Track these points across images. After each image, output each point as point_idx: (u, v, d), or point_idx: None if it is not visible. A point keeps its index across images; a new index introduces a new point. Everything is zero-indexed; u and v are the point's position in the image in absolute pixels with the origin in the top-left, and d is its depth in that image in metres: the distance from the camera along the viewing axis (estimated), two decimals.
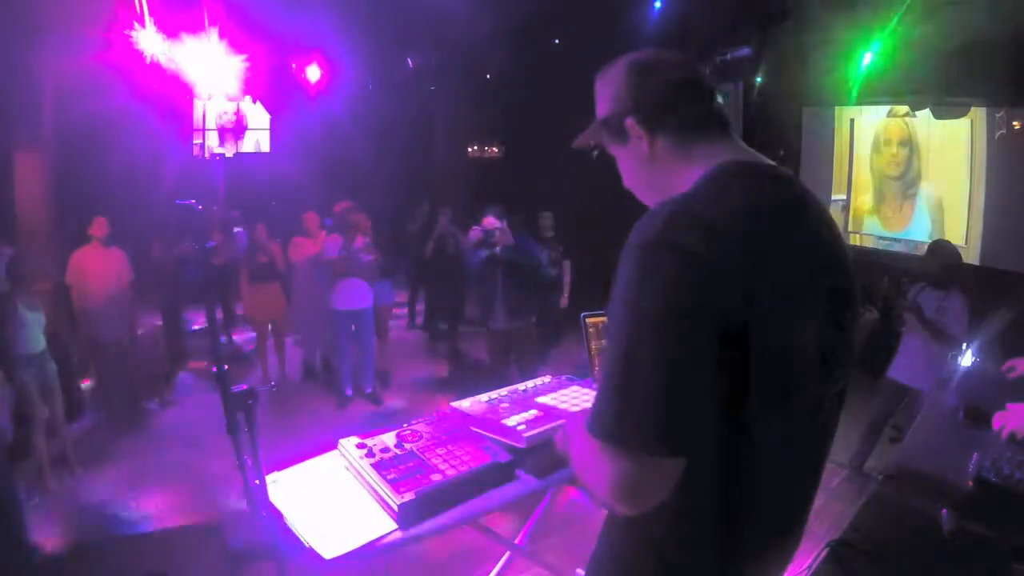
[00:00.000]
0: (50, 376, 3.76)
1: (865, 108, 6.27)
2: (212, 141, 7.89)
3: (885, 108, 6.06)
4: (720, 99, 1.01)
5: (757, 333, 0.77)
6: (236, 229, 5.59)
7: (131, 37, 5.23)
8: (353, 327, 4.96)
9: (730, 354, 0.76)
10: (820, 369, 0.86)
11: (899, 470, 1.66)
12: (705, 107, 0.97)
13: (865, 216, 6.53)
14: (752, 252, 0.78)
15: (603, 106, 1.02)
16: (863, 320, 4.07)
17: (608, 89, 1.01)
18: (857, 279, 0.94)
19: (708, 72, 1.04)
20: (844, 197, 6.55)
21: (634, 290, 0.78)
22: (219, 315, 6.46)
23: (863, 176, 6.43)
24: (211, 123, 7.68)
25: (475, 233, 4.10)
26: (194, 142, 7.89)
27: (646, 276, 0.77)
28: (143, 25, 5.23)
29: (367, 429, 1.72)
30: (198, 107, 7.65)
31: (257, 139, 8.36)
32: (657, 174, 0.99)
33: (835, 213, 6.67)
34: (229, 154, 7.87)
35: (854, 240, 6.57)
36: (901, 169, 5.97)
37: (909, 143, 5.85)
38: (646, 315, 0.77)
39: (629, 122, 0.97)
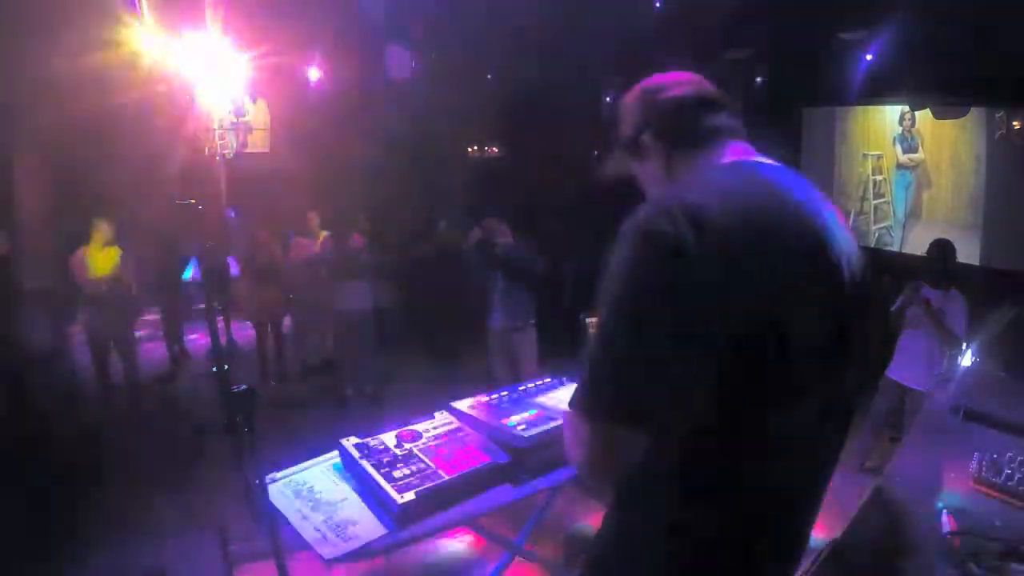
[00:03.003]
0: (56, 376, 3.75)
1: (865, 108, 6.28)
2: (213, 140, 7.88)
3: (885, 108, 6.07)
4: (731, 111, 1.04)
5: (736, 323, 0.77)
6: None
7: (132, 35, 5.23)
8: (354, 327, 4.96)
9: (704, 340, 0.77)
10: (821, 368, 0.84)
11: (899, 470, 1.66)
12: (715, 119, 1.00)
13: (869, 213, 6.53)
14: (734, 242, 0.78)
15: (624, 128, 1.08)
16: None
17: (627, 112, 1.08)
18: (871, 280, 0.92)
19: (719, 80, 1.07)
20: (857, 194, 6.58)
21: (613, 274, 0.83)
22: (219, 315, 6.46)
23: (865, 175, 6.43)
24: (212, 122, 7.67)
25: (475, 234, 4.10)
26: (195, 142, 7.88)
27: (622, 260, 0.82)
28: (144, 23, 5.22)
29: (367, 429, 1.72)
30: (198, 106, 7.64)
31: (257, 138, 8.36)
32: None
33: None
34: (229, 154, 7.87)
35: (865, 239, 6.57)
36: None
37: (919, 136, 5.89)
38: (619, 298, 0.82)
39: (644, 138, 1.03)
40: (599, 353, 0.83)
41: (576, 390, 0.86)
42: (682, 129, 1.01)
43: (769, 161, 0.97)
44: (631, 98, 1.08)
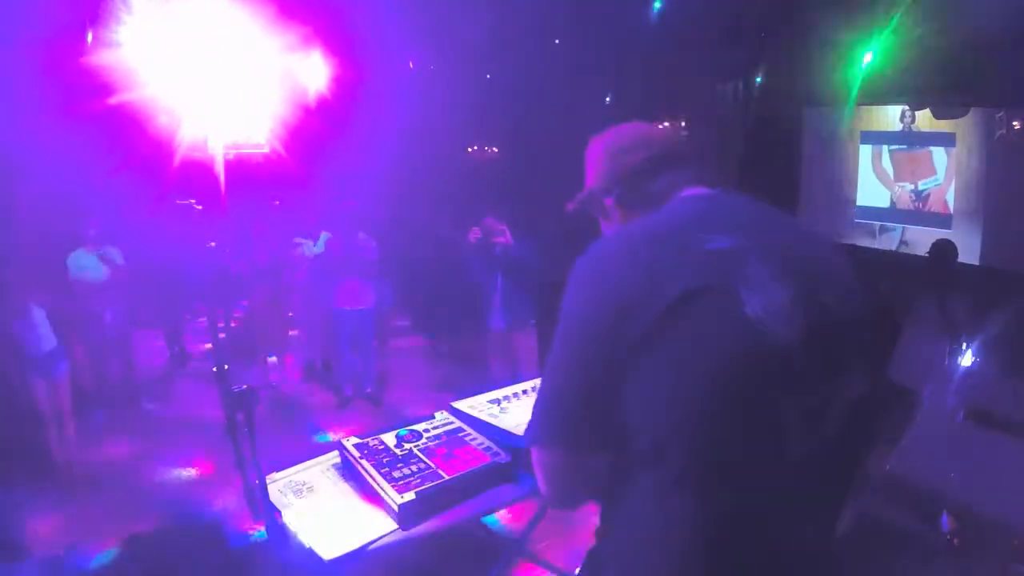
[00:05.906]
0: (58, 375, 3.75)
1: (868, 108, 6.27)
2: (213, 140, 7.89)
3: (887, 108, 6.07)
4: (692, 160, 1.08)
5: (674, 346, 0.79)
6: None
7: (131, 36, 5.22)
8: (354, 327, 4.96)
9: (645, 364, 0.80)
10: (792, 380, 0.82)
11: (899, 470, 1.66)
12: (674, 177, 1.05)
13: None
14: (664, 268, 0.82)
15: (590, 179, 1.14)
16: None
17: (592, 166, 1.14)
18: (853, 286, 0.90)
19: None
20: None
21: (562, 310, 0.91)
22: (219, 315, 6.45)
23: (867, 175, 6.43)
24: (211, 123, 7.67)
25: (475, 234, 4.09)
26: (195, 141, 7.87)
27: (565, 301, 0.91)
28: (143, 23, 5.22)
29: (367, 429, 1.72)
30: (199, 106, 7.64)
31: (257, 138, 8.35)
32: None
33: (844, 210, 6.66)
34: (229, 154, 7.87)
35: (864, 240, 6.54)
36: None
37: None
38: (559, 335, 0.89)
39: (608, 202, 1.10)
40: (544, 386, 0.91)
41: (527, 426, 0.93)
42: (642, 194, 1.06)
43: (713, 190, 1.01)
44: (598, 154, 1.13)
